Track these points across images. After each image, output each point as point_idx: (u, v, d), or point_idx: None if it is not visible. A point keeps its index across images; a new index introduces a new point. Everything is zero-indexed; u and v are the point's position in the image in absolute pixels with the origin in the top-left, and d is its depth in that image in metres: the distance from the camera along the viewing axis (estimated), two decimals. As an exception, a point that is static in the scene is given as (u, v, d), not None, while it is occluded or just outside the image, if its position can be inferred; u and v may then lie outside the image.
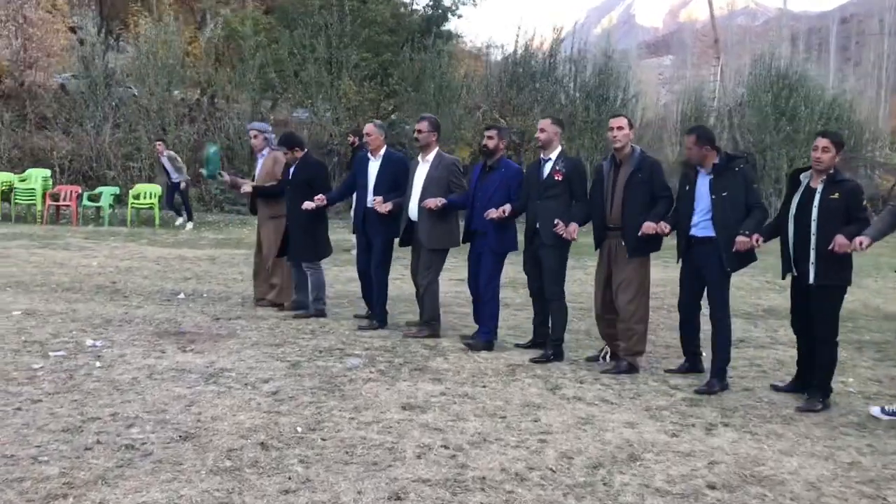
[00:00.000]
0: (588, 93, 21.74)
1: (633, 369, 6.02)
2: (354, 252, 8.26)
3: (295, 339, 6.68)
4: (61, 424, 4.41)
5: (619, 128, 5.98)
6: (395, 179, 7.16)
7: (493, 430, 4.58)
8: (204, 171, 8.48)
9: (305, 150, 7.80)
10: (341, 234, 12.95)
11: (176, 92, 20.23)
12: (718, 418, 5.02)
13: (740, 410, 5.21)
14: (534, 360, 6.23)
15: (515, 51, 21.76)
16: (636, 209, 5.87)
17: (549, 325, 6.48)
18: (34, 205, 16.11)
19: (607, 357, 6.30)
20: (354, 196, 7.51)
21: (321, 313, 7.70)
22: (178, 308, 7.92)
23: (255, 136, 8.21)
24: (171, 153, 16.01)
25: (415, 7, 22.74)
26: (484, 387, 5.48)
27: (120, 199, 17.15)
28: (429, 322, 7.07)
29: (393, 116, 20.55)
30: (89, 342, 6.26)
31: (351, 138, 13.05)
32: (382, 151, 7.29)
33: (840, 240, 5.00)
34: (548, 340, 6.45)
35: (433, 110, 19.91)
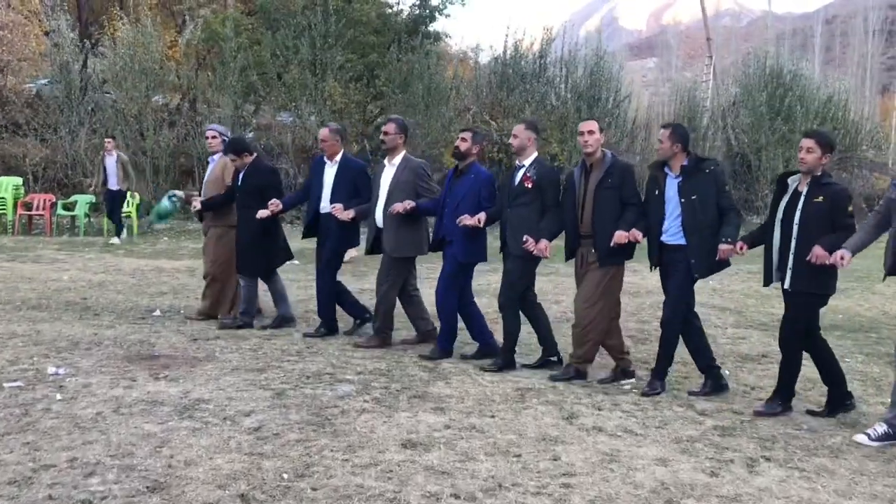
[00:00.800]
0: (580, 94, 21.20)
1: (580, 375, 5.84)
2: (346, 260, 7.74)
3: (279, 363, 6.07)
4: (8, 475, 3.79)
5: (591, 132, 5.71)
6: (354, 186, 6.94)
7: (508, 473, 3.99)
8: (152, 219, 8.13)
9: (254, 154, 7.38)
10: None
11: (157, 97, 19.59)
12: (758, 451, 4.46)
13: (780, 441, 4.65)
14: (484, 369, 6.04)
15: (505, 51, 21.21)
16: (607, 216, 5.62)
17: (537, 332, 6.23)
18: (5, 215, 15.39)
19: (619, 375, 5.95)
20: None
21: (246, 325, 7.35)
22: (153, 327, 7.29)
23: (214, 138, 7.78)
24: (124, 156, 14.42)
25: (401, 7, 22.12)
26: (492, 416, 4.90)
27: (96, 208, 16.45)
28: (380, 331, 6.77)
29: (379, 119, 19.94)
30: (51, 370, 5.63)
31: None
32: (339, 157, 7.04)
33: (818, 251, 4.77)
34: (500, 349, 6.20)
35: (421, 112, 19.37)
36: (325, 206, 6.99)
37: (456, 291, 6.40)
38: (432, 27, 22.12)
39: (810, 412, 5.20)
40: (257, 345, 6.70)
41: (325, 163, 7.11)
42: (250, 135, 20.20)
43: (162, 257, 12.34)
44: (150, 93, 18.65)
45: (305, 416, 4.80)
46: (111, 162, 14.03)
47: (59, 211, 15.57)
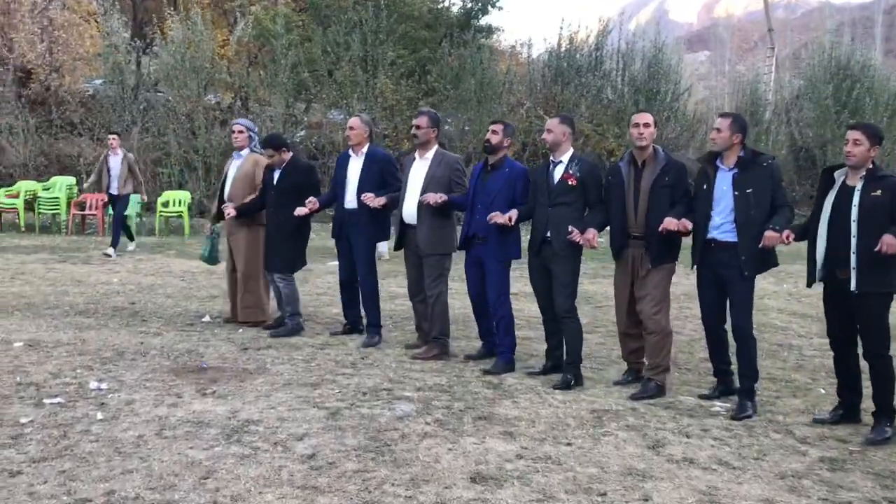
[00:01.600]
0: (637, 87, 20.50)
1: (661, 392, 5.43)
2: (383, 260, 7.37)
3: (334, 377, 5.68)
4: (40, 510, 3.45)
5: (646, 125, 5.36)
6: (382, 178, 6.69)
7: (593, 516, 3.52)
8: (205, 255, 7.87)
9: (292, 152, 7.08)
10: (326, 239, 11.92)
11: (210, 96, 19.48)
12: (878, 492, 3.91)
13: (900, 477, 4.09)
14: (556, 387, 5.57)
15: (559, 44, 20.59)
16: (662, 216, 5.24)
17: (564, 345, 5.81)
18: (59, 214, 15.37)
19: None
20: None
21: (298, 328, 7.07)
22: (202, 335, 6.97)
23: (241, 132, 7.35)
24: (131, 156, 12.62)
25: (452, 1, 21.69)
26: (569, 444, 4.42)
27: (148, 207, 16.34)
28: (438, 339, 6.40)
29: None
30: (93, 384, 5.32)
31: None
32: (365, 148, 6.78)
33: (889, 239, 4.42)
34: (564, 364, 5.77)
35: (474, 108, 18.90)
36: (352, 201, 6.71)
37: (508, 292, 6.08)
38: (484, 20, 21.66)
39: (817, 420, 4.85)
40: (310, 355, 6.32)
41: (349, 157, 6.84)
42: (302, 133, 19.98)
43: (212, 258, 12.08)
44: (201, 91, 18.52)
45: (363, 440, 4.38)
46: (116, 162, 12.13)
47: (111, 211, 15.44)
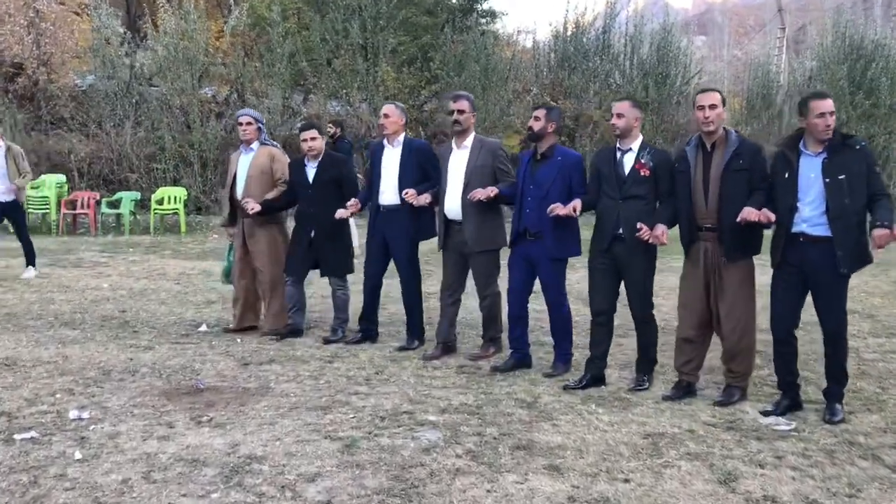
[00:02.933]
0: (646, 71, 19.79)
1: (743, 396, 5.03)
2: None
3: (346, 397, 5.03)
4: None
5: (712, 106, 4.77)
6: (423, 170, 6.17)
7: (675, 583, 2.88)
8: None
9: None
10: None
11: (206, 89, 18.81)
12: None
13: None
14: (633, 390, 5.25)
15: (565, 28, 19.87)
16: (737, 204, 4.69)
17: (638, 346, 5.45)
18: (48, 214, 14.69)
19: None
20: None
21: (352, 337, 6.58)
22: (198, 348, 6.32)
23: (249, 124, 6.69)
24: (17, 147, 9.53)
25: (453, -15, 20.91)
26: (626, 481, 3.77)
27: (143, 205, 15.69)
28: (493, 338, 6.14)
29: (427, 106, 18.78)
30: (73, 413, 4.66)
31: (332, 129, 11.38)
32: (401, 138, 6.27)
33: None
34: (639, 364, 5.42)
35: (478, 95, 18.18)
36: (391, 197, 6.19)
37: (565, 293, 5.70)
38: (487, 4, 20.93)
39: None
40: (318, 370, 5.68)
41: (384, 147, 6.31)
42: (300, 124, 19.27)
43: (210, 258, 11.42)
44: (195, 84, 17.81)
45: (385, 480, 3.74)
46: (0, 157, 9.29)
47: (104, 209, 14.80)
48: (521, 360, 5.75)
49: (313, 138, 6.47)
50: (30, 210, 14.56)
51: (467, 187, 5.76)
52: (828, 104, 4.54)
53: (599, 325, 5.41)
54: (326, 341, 6.49)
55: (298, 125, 18.44)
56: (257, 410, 4.76)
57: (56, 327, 7.00)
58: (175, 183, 16.48)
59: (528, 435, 4.36)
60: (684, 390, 5.09)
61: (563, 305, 5.66)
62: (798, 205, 4.55)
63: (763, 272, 4.94)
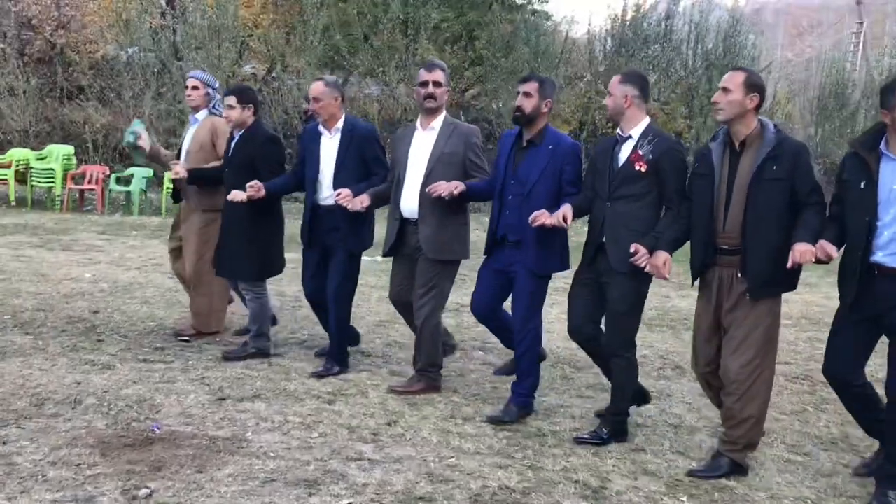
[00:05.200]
0: (710, 62, 18.14)
1: (739, 470, 3.82)
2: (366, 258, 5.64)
3: (343, 465, 3.66)
4: None
5: (725, 89, 3.72)
6: (364, 162, 5.03)
7: None
8: (130, 139, 5.95)
9: (257, 115, 5.35)
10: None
11: (246, 66, 17.64)
12: None
13: None
14: (578, 440, 4.13)
15: (624, 10, 18.29)
16: (769, 221, 3.66)
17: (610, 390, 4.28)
18: (53, 188, 13.53)
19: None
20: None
21: (262, 352, 5.35)
22: (168, 369, 5.02)
23: (195, 88, 5.68)
24: None
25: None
26: None
27: (160, 182, 14.49)
28: (425, 370, 4.82)
29: (470, 92, 17.34)
30: (-41, 477, 3.38)
31: (306, 105, 9.95)
32: (340, 123, 5.05)
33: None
34: (605, 414, 4.27)
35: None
36: (326, 195, 5.04)
37: (540, 318, 4.54)
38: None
39: None
40: (313, 414, 4.34)
41: (319, 134, 5.12)
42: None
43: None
44: (221, 54, 16.56)
45: None
46: None
47: (112, 185, 13.62)
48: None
49: (230, 107, 5.22)
50: (34, 183, 13.49)
51: (429, 178, 4.60)
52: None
53: (582, 348, 4.37)
54: (226, 358, 5.30)
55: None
56: (217, 482, 3.42)
57: (8, 330, 5.75)
58: (194, 160, 15.30)
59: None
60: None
61: (532, 332, 4.45)
62: (878, 224, 3.47)
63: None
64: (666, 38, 18.32)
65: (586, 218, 4.29)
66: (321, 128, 5.10)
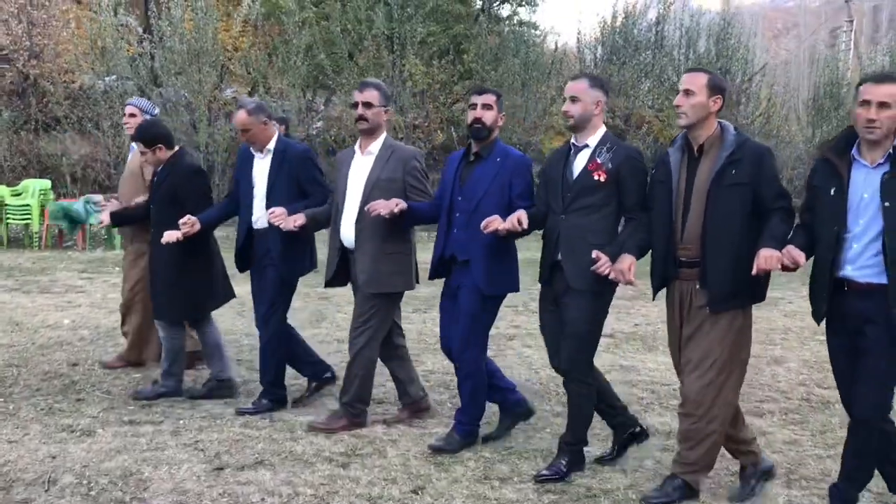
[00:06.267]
0: (704, 67, 17.75)
1: (690, 493, 3.60)
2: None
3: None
4: None
5: (688, 92, 3.51)
6: (298, 184, 4.81)
7: None
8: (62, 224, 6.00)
9: (175, 148, 5.13)
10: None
11: (228, 91, 17.11)
12: None
13: None
14: (538, 479, 3.80)
15: (614, 18, 17.91)
16: (728, 230, 3.46)
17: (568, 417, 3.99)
18: (30, 225, 12.88)
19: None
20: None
21: (171, 392, 5.06)
22: (157, 431, 4.43)
23: (132, 116, 5.65)
24: None
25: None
26: None
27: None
28: (351, 404, 4.52)
29: (456, 105, 16.86)
30: None
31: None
32: (272, 144, 4.84)
33: None
34: (562, 443, 3.95)
35: (517, 92, 16.30)
36: (260, 217, 4.81)
37: (483, 340, 4.30)
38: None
39: None
40: (326, 482, 3.76)
41: (252, 156, 4.92)
42: (318, 125, 17.48)
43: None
44: (202, 78, 15.99)
45: None
46: None
47: (92, 219, 12.99)
48: (509, 411, 4.49)
49: (142, 153, 5.08)
50: (9, 220, 12.83)
51: (365, 205, 4.32)
52: (882, 91, 3.14)
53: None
54: (135, 397, 5.06)
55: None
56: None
57: (-26, 391, 5.14)
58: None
59: None
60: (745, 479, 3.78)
61: (473, 358, 4.20)
62: (846, 236, 3.24)
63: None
64: (657, 44, 17.97)
65: (539, 233, 4.04)
66: (252, 149, 4.89)
